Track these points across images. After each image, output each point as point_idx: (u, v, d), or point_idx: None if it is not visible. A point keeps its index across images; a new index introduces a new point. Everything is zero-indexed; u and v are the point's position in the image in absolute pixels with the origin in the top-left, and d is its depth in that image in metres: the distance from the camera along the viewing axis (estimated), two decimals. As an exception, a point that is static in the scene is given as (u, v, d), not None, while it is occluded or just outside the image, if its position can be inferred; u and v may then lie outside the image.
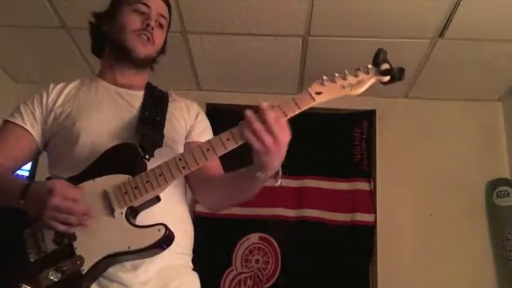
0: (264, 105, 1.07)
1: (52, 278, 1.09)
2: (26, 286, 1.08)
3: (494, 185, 2.83)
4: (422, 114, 2.97)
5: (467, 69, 2.78)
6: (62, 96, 1.40)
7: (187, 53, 2.82)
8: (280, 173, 1.17)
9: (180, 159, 1.15)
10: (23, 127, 1.36)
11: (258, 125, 1.06)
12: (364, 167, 2.96)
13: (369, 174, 2.93)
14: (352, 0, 2.32)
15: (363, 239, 2.79)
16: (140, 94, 1.44)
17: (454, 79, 2.90)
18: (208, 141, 1.15)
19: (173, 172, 1.15)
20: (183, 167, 1.14)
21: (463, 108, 3.06)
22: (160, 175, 1.15)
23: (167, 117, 1.41)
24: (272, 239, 2.84)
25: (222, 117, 3.01)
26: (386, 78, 1.13)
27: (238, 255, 2.82)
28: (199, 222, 2.45)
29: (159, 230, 1.12)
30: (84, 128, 1.31)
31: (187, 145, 1.45)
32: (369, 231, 2.80)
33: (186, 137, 1.46)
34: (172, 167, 1.15)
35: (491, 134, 3.01)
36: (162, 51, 1.55)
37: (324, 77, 1.13)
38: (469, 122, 3.04)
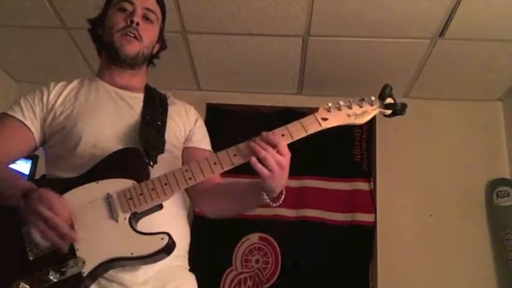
0: (264, 134, 1.15)
1: (51, 278, 1.08)
2: (24, 285, 1.07)
3: (494, 185, 2.82)
4: (422, 114, 2.97)
5: (467, 69, 2.78)
6: (63, 96, 1.39)
7: (187, 53, 2.82)
8: (282, 195, 1.23)
9: (186, 170, 1.17)
10: (22, 122, 1.34)
11: (263, 153, 1.12)
12: (364, 167, 2.95)
13: (369, 174, 2.93)
14: (352, 0, 2.32)
15: (363, 239, 2.78)
16: (140, 96, 1.43)
17: (454, 79, 2.90)
18: (216, 155, 1.17)
19: (179, 182, 1.17)
20: (190, 178, 1.16)
21: (463, 108, 3.05)
22: (166, 184, 1.16)
23: (167, 121, 1.40)
24: (272, 239, 2.83)
25: (222, 117, 3.03)
26: (389, 111, 1.23)
27: (238, 255, 2.81)
28: (199, 222, 2.48)
29: (162, 239, 1.12)
30: (85, 129, 1.30)
31: (186, 150, 1.45)
32: (369, 231, 2.79)
33: (185, 141, 1.46)
34: (178, 177, 1.17)
35: (491, 134, 3.01)
36: (163, 46, 1.54)
37: (330, 104, 1.21)
38: (469, 122, 3.03)
